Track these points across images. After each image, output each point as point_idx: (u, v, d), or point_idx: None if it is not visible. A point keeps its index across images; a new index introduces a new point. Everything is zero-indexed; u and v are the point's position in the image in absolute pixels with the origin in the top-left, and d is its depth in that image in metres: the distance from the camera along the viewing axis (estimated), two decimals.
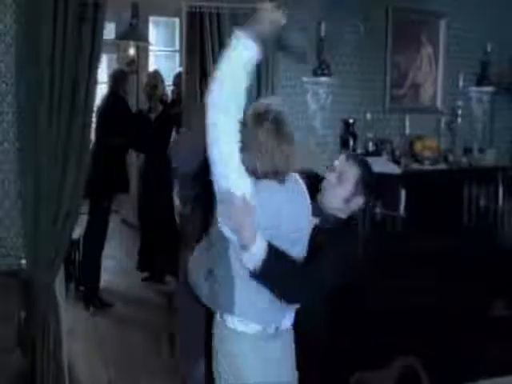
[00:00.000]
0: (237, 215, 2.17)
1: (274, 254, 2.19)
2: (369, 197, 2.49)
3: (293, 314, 2.41)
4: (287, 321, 2.39)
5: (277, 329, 2.33)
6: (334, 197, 2.41)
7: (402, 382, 2.70)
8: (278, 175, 2.23)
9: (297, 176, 2.37)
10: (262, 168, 2.20)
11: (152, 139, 5.41)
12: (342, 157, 2.50)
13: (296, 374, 2.43)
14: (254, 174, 2.21)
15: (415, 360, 2.70)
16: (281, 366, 2.34)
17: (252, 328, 2.28)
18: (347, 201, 2.42)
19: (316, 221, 2.43)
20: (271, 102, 2.35)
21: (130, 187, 5.68)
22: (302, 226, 2.34)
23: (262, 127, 2.19)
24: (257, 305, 2.28)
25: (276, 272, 2.20)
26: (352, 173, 2.43)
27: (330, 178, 2.43)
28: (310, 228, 2.37)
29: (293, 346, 2.44)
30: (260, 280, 2.21)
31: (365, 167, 2.49)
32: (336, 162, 2.46)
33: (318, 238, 2.36)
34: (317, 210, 2.41)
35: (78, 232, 4.84)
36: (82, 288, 5.29)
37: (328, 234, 2.38)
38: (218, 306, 2.35)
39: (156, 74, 5.88)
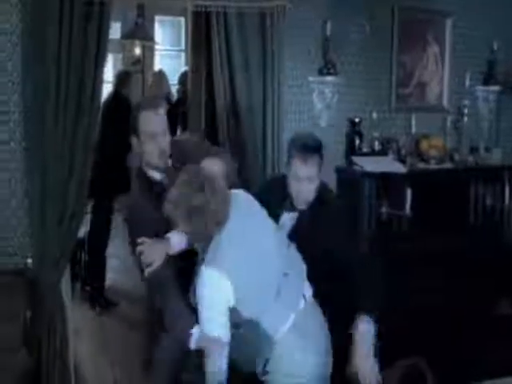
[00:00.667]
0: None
1: None
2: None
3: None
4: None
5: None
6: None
7: (405, 382, 2.69)
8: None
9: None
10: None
11: None
12: None
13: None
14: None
15: (420, 359, 2.68)
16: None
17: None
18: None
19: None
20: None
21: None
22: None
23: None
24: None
25: None
26: None
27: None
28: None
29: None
30: None
31: None
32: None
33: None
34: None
35: (82, 231, 4.84)
36: (87, 287, 5.29)
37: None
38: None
39: (160, 74, 5.90)
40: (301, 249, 2.61)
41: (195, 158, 2.60)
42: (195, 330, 2.41)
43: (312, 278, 2.54)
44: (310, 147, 2.71)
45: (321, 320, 2.54)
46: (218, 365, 2.35)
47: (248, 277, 2.34)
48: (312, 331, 2.45)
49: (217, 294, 2.31)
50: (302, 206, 2.76)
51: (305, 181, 2.70)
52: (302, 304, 2.46)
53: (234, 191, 2.50)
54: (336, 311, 2.50)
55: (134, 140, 2.68)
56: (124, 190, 5.52)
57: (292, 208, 2.78)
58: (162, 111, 2.69)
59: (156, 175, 2.70)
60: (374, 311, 2.47)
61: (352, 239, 2.77)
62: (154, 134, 2.62)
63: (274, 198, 2.76)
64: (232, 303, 2.33)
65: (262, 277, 2.39)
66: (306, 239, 2.63)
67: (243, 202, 2.49)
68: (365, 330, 2.45)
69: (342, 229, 2.70)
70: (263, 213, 2.55)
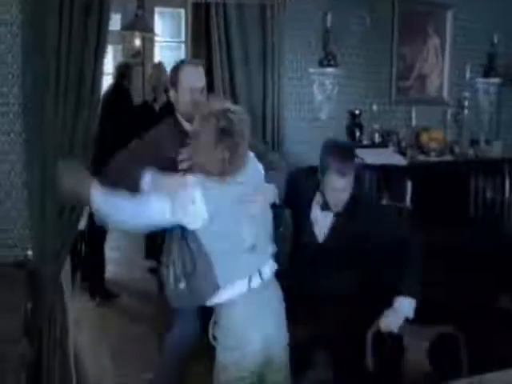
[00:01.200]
0: None
1: None
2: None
3: (272, 263, 2.54)
4: (267, 269, 2.51)
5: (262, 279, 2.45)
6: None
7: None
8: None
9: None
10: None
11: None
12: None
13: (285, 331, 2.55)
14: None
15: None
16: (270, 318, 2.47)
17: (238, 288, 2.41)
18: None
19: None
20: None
21: None
22: None
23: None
24: (235, 263, 2.42)
25: None
26: None
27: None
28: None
29: (282, 301, 2.55)
30: None
31: None
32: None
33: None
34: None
35: (83, 223, 4.84)
36: (87, 279, 5.30)
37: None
38: (202, 299, 2.46)
39: (160, 66, 5.89)
40: (342, 246, 2.74)
41: None
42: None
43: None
44: (347, 158, 2.75)
45: (277, 306, 2.55)
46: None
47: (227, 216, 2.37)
48: (264, 312, 2.46)
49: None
50: (338, 209, 2.83)
51: (341, 191, 2.76)
52: (257, 280, 2.47)
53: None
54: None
55: (171, 93, 2.94)
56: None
57: (326, 207, 2.85)
58: (202, 69, 2.94)
59: (187, 126, 2.83)
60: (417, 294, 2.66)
61: (396, 227, 2.91)
62: (192, 87, 2.83)
63: (303, 192, 2.85)
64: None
65: (237, 227, 2.41)
66: (347, 238, 2.77)
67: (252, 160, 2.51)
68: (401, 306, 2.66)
69: (384, 222, 2.84)
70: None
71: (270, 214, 2.58)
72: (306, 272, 2.85)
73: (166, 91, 5.58)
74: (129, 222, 2.45)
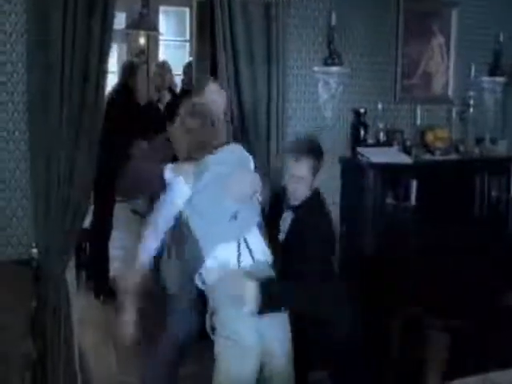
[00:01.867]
0: None
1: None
2: None
3: (258, 234, 2.73)
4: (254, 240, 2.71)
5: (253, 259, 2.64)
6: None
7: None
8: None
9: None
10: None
11: (160, 129, 5.42)
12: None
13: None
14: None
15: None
16: None
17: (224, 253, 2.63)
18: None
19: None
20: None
21: None
22: None
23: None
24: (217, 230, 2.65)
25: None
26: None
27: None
28: None
29: None
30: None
31: None
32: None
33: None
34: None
35: (87, 221, 4.84)
36: (92, 277, 5.31)
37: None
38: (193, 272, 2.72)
39: (164, 65, 5.89)
40: (292, 241, 2.82)
41: None
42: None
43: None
44: (303, 148, 2.92)
45: None
46: None
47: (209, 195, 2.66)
48: None
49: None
50: (295, 203, 2.94)
51: (296, 178, 2.88)
52: (247, 257, 2.65)
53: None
54: None
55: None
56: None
57: (287, 204, 2.98)
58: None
59: None
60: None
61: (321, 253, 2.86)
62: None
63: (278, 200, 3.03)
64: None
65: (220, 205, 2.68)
66: (294, 234, 2.85)
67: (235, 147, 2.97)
68: None
69: (316, 237, 2.83)
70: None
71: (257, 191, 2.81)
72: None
73: (171, 90, 5.60)
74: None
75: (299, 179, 2.88)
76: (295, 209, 2.93)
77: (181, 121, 2.80)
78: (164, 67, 5.78)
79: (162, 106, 5.52)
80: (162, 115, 5.48)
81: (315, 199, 2.95)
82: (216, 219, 2.66)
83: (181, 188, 2.68)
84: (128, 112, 5.08)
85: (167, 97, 5.53)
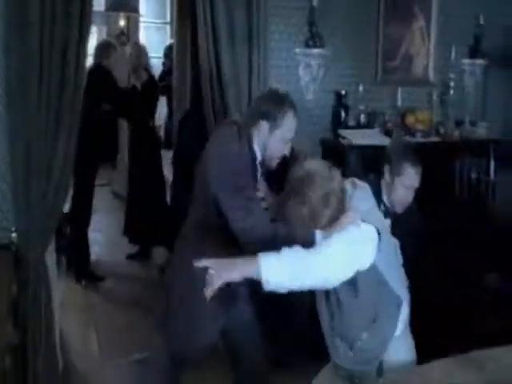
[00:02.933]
0: None
1: None
2: None
3: None
4: None
5: None
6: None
7: None
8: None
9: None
10: None
11: (138, 108, 5.40)
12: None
13: None
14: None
15: None
16: None
17: None
18: None
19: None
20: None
21: (116, 156, 5.66)
22: None
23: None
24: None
25: None
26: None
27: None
28: None
29: None
30: None
31: None
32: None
33: None
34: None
35: (67, 206, 4.81)
36: (72, 262, 5.29)
37: None
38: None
39: (138, 46, 5.84)
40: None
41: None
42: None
43: None
44: (419, 159, 2.92)
45: None
46: None
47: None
48: None
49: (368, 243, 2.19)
50: (400, 211, 2.91)
51: (413, 190, 2.88)
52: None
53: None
54: None
55: (264, 125, 2.56)
56: (108, 160, 5.60)
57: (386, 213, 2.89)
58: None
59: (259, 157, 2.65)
60: None
61: None
62: (287, 138, 2.60)
63: None
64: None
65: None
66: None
67: None
68: None
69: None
70: None
71: None
72: None
73: (147, 70, 5.53)
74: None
75: (414, 190, 2.88)
76: (395, 215, 2.92)
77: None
78: (139, 48, 5.71)
79: (138, 84, 5.45)
80: (139, 94, 5.43)
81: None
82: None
83: None
84: (104, 91, 5.03)
85: (144, 75, 5.47)
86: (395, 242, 2.56)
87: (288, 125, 2.56)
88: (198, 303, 2.44)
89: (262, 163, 2.66)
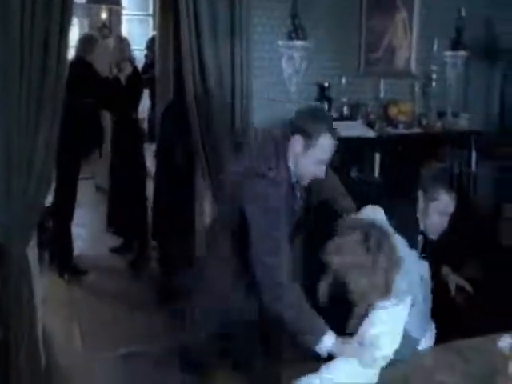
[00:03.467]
0: None
1: None
2: None
3: None
4: None
5: None
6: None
7: None
8: None
9: None
10: None
11: (121, 100, 5.36)
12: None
13: None
14: None
15: None
16: None
17: None
18: None
19: None
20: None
21: (102, 145, 5.62)
22: None
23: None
24: None
25: None
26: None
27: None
28: None
29: None
30: None
31: None
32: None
33: None
34: None
35: (50, 199, 4.77)
36: (55, 256, 5.25)
37: None
38: None
39: (120, 39, 5.77)
40: None
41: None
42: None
43: None
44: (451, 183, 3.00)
45: None
46: None
47: None
48: None
49: None
50: (434, 237, 2.92)
51: (447, 215, 2.87)
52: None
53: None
54: None
55: (298, 140, 2.46)
56: (94, 148, 5.56)
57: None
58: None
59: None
60: None
61: None
62: (322, 159, 2.49)
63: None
64: None
65: None
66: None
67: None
68: None
69: None
70: None
71: None
72: None
73: (131, 62, 5.49)
74: None
75: (448, 215, 2.89)
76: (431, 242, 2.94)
77: None
78: (121, 41, 5.65)
79: (122, 77, 5.40)
80: (124, 87, 5.39)
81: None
82: None
83: None
84: (86, 84, 4.98)
85: (128, 68, 5.42)
86: (423, 269, 2.59)
87: (323, 146, 2.45)
88: None
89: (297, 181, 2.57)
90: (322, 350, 2.23)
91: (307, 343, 2.25)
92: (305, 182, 2.56)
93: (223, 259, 2.55)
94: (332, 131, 2.47)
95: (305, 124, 2.44)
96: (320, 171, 2.50)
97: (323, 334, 2.23)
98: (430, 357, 2.43)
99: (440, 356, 2.40)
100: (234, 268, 2.51)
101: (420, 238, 2.89)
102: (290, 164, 2.50)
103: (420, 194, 2.90)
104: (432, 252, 2.88)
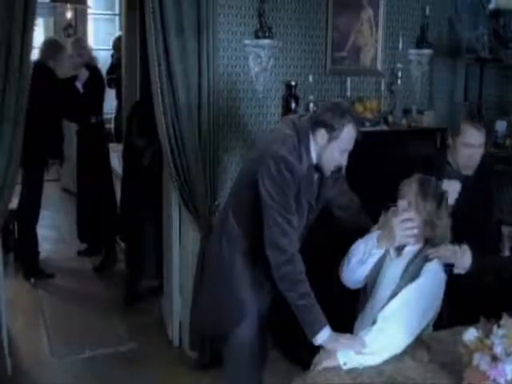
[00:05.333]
0: None
1: None
2: None
3: None
4: None
5: None
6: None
7: None
8: None
9: None
10: None
11: (79, 108, 5.29)
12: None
13: None
14: None
15: None
16: None
17: None
18: None
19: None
20: None
21: (63, 154, 5.53)
22: None
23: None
24: None
25: None
26: None
27: None
28: None
29: None
30: None
31: None
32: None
33: None
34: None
35: (14, 202, 4.70)
36: (21, 260, 5.17)
37: None
38: None
39: (79, 41, 5.66)
40: (466, 215, 2.80)
41: None
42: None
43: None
44: (478, 117, 3.00)
45: None
46: None
47: None
48: None
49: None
50: (469, 172, 2.97)
51: (477, 147, 2.92)
52: None
53: None
54: None
55: (323, 133, 2.57)
56: (55, 158, 5.47)
57: (453, 175, 2.98)
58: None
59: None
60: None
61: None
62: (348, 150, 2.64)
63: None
64: None
65: None
66: (472, 204, 2.86)
67: None
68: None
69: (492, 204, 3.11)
70: None
71: None
72: None
73: (89, 66, 5.39)
74: None
75: (478, 148, 2.93)
76: (466, 178, 2.97)
77: None
78: (79, 43, 5.53)
79: (79, 84, 5.28)
80: (81, 94, 5.30)
81: (486, 166, 3.03)
82: None
83: None
84: (48, 90, 4.88)
85: (85, 74, 5.29)
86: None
87: (346, 137, 2.57)
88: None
89: (318, 168, 2.67)
90: (316, 342, 2.35)
91: (305, 332, 2.38)
92: (327, 172, 2.67)
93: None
94: (354, 121, 2.59)
95: (328, 117, 2.55)
96: (343, 160, 2.64)
97: (323, 326, 2.36)
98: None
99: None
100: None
101: None
102: (313, 155, 2.61)
103: (449, 132, 3.04)
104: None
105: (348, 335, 2.38)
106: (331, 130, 2.55)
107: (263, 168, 2.51)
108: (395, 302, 2.35)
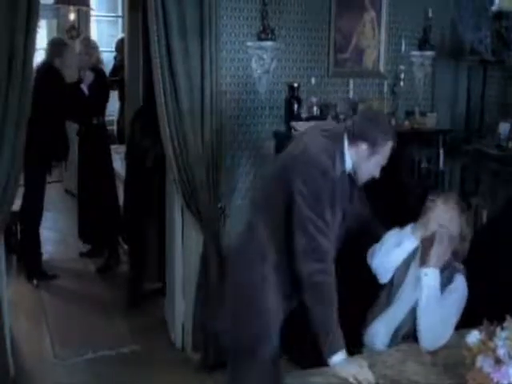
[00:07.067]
0: None
1: None
2: None
3: None
4: None
5: None
6: None
7: None
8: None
9: None
10: None
11: (84, 110, 5.29)
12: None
13: None
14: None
15: None
16: None
17: None
18: None
19: None
20: None
21: (68, 156, 5.53)
22: None
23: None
24: None
25: None
26: None
27: None
28: None
29: None
30: None
31: None
32: None
33: None
34: None
35: (17, 204, 4.70)
36: (23, 261, 5.17)
37: None
38: None
39: (86, 41, 5.64)
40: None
41: None
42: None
43: None
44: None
45: None
46: None
47: None
48: None
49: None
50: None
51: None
52: None
53: None
54: None
55: (364, 147, 2.48)
56: (59, 159, 5.47)
57: None
58: None
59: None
60: None
61: None
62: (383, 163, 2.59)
63: None
64: None
65: None
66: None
67: None
68: None
69: None
70: None
71: None
72: None
73: (93, 69, 5.38)
74: None
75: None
76: None
77: None
78: (87, 43, 5.51)
79: (84, 87, 5.26)
80: (86, 96, 5.29)
81: None
82: None
83: None
84: (52, 93, 4.88)
85: (90, 77, 5.28)
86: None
87: (387, 154, 2.52)
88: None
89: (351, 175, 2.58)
90: (331, 362, 2.30)
91: (322, 350, 2.32)
92: (361, 182, 2.62)
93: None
94: (394, 136, 2.54)
95: (371, 132, 2.47)
96: (377, 172, 2.58)
97: (341, 349, 2.31)
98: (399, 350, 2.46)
99: (409, 350, 2.43)
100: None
101: None
102: (347, 164, 2.52)
103: None
104: None
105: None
106: (373, 145, 2.47)
107: (299, 175, 2.42)
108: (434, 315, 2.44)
